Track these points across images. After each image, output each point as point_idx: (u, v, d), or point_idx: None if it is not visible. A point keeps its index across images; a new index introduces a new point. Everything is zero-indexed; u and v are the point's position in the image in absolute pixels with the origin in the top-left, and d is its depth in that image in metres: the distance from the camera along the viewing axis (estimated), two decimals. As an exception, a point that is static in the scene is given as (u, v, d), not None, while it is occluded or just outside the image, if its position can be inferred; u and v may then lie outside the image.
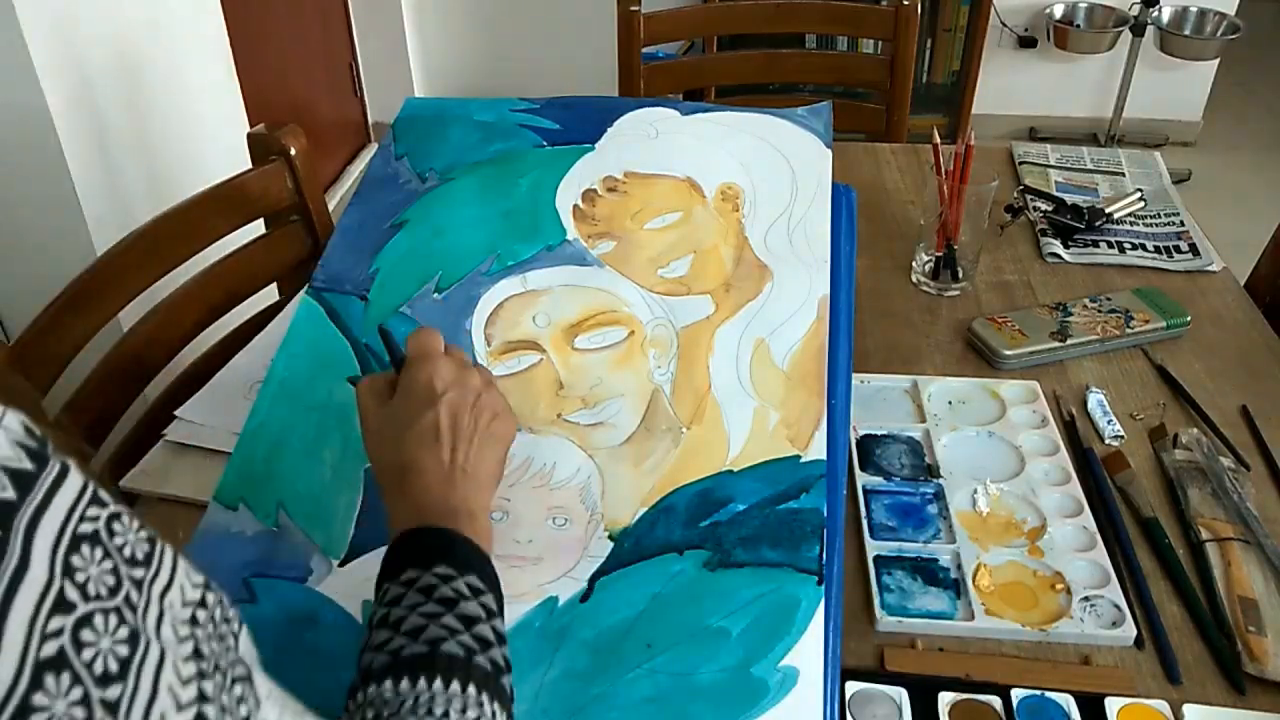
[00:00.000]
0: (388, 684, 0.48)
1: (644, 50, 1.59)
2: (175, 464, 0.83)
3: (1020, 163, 1.30)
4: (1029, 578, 0.73)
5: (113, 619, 0.28)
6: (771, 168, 0.93)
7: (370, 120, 3.11)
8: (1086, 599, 0.71)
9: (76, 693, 0.26)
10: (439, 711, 0.47)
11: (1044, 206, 1.19)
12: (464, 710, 0.48)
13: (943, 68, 2.98)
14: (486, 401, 0.64)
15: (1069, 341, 0.96)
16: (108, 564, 0.29)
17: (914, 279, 1.08)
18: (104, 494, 0.30)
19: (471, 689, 0.49)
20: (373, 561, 0.68)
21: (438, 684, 0.48)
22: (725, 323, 0.82)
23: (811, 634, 0.63)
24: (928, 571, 0.74)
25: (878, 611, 0.70)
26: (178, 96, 1.88)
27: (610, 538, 0.69)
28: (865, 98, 1.83)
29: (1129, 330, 0.97)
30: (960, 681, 0.66)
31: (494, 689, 0.50)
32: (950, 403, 0.90)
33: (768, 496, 0.71)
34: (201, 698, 0.31)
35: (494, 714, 0.49)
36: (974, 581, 0.72)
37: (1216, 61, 2.96)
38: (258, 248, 1.08)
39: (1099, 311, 0.99)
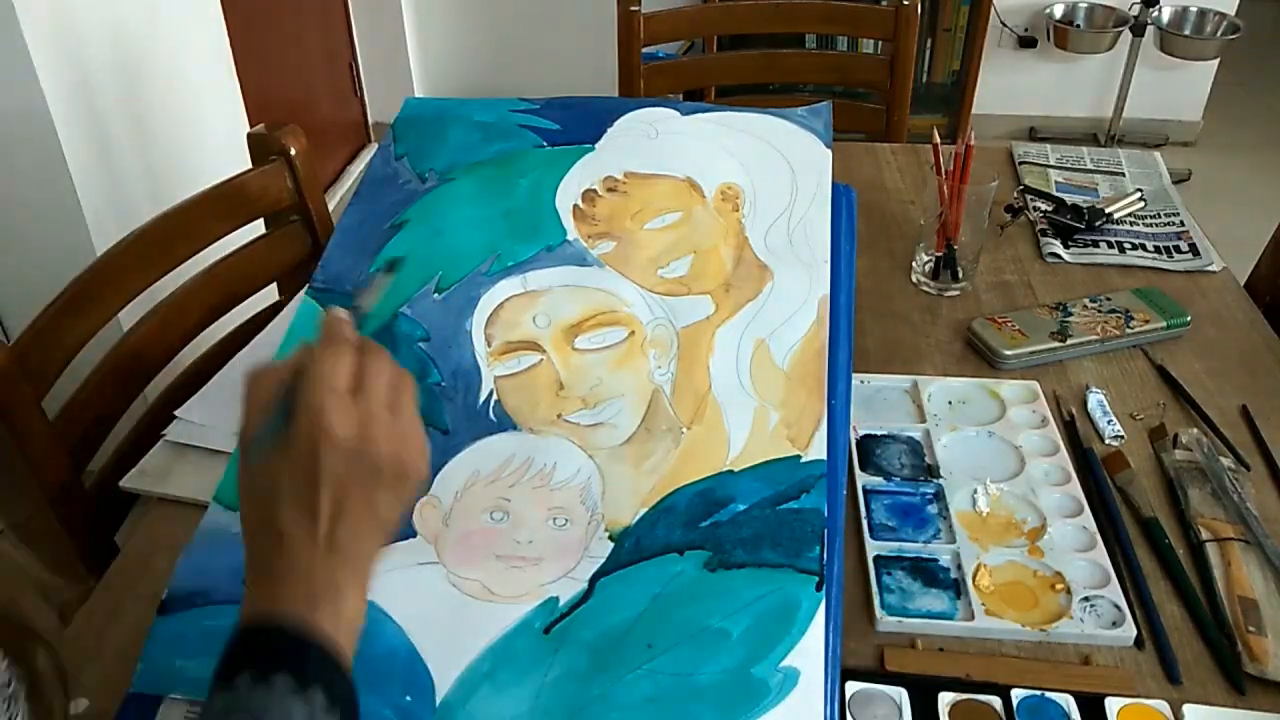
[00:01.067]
0: None
1: (644, 50, 1.59)
2: (175, 464, 0.83)
3: (1020, 163, 1.30)
4: (1029, 578, 0.73)
5: None
6: (771, 168, 0.93)
7: (370, 120, 3.11)
8: (1086, 599, 0.71)
9: None
10: None
11: (1044, 206, 1.19)
12: None
13: (943, 68, 2.98)
14: (386, 460, 0.53)
15: (1069, 341, 0.96)
16: None
17: (914, 279, 1.08)
18: None
19: None
20: (373, 562, 0.68)
21: None
22: (725, 323, 0.82)
23: (812, 634, 0.63)
24: (927, 572, 0.74)
25: (878, 611, 0.70)
26: (178, 96, 1.88)
27: (611, 538, 0.69)
28: (865, 98, 1.83)
29: (1129, 330, 0.97)
30: (960, 681, 0.66)
31: None
32: (950, 403, 0.90)
33: (768, 497, 0.71)
34: None
35: None
36: (974, 582, 0.72)
37: (1216, 61, 2.96)
38: (258, 248, 1.08)
39: (1099, 311, 0.99)
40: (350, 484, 0.52)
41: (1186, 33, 2.87)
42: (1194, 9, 2.86)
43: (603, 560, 0.68)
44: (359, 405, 0.53)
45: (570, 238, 0.86)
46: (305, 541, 0.51)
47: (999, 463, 0.83)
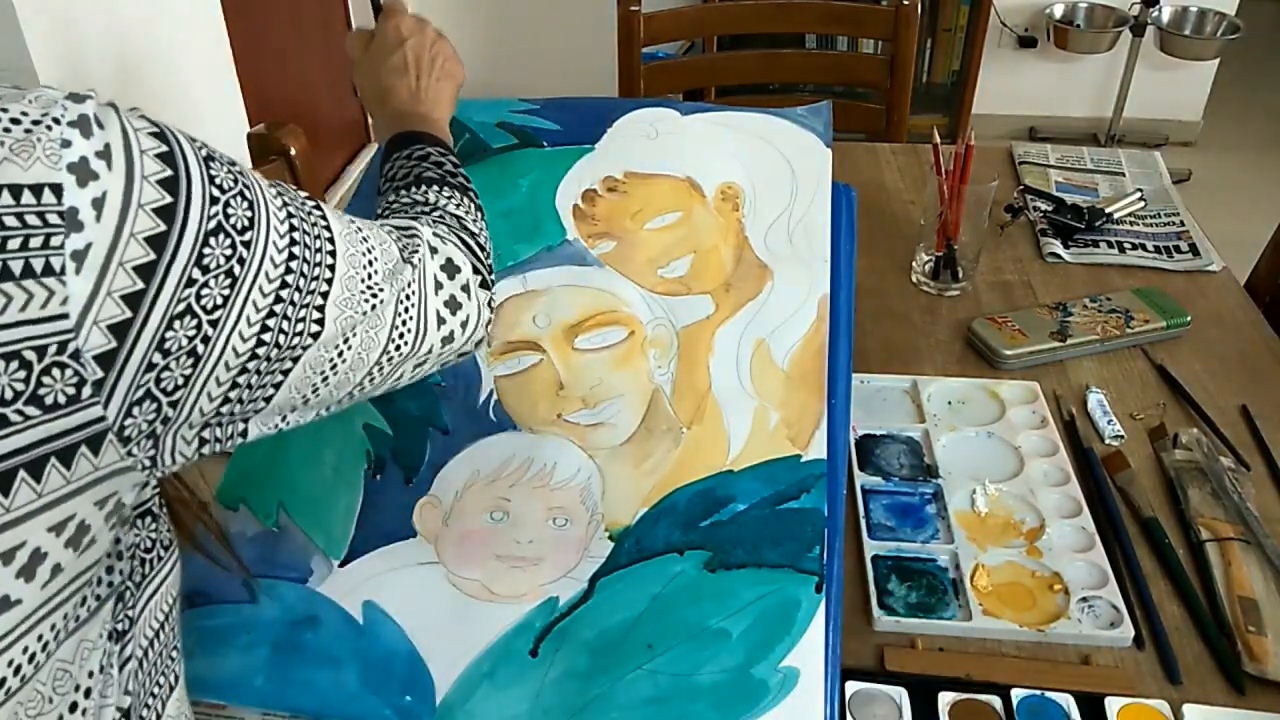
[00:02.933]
0: (393, 198, 0.71)
1: (644, 50, 1.59)
2: (175, 464, 0.82)
3: (1020, 163, 1.30)
4: (1027, 578, 0.73)
5: (243, 204, 0.45)
6: (771, 168, 0.93)
7: (370, 120, 3.11)
8: (1084, 599, 0.71)
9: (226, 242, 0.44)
10: (430, 200, 0.70)
11: (1044, 206, 1.19)
12: (445, 197, 0.70)
13: (943, 68, 2.98)
14: (440, 48, 0.85)
15: (1069, 341, 0.96)
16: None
17: (914, 279, 1.08)
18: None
19: (447, 189, 0.71)
20: (373, 562, 0.68)
21: (424, 189, 0.71)
22: (725, 323, 0.82)
23: (812, 634, 0.63)
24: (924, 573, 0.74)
25: (875, 611, 0.70)
26: (178, 96, 1.88)
27: (611, 538, 0.69)
28: (865, 98, 1.83)
29: (1129, 330, 0.97)
30: (960, 681, 0.66)
31: (462, 190, 0.72)
32: (950, 403, 0.90)
33: (768, 496, 0.71)
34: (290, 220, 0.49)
35: (462, 201, 0.71)
36: (971, 582, 0.72)
37: (1216, 61, 2.96)
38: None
39: (1099, 311, 0.99)
40: (422, 50, 0.84)
41: (1186, 33, 2.87)
42: (1194, 9, 2.86)
43: (603, 560, 0.68)
44: (416, 15, 0.86)
45: (570, 237, 0.86)
46: (402, 88, 0.82)
47: (998, 463, 0.83)
